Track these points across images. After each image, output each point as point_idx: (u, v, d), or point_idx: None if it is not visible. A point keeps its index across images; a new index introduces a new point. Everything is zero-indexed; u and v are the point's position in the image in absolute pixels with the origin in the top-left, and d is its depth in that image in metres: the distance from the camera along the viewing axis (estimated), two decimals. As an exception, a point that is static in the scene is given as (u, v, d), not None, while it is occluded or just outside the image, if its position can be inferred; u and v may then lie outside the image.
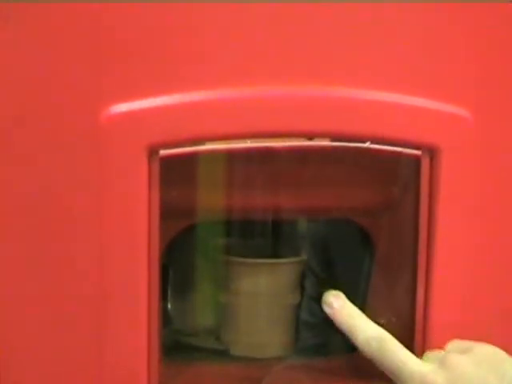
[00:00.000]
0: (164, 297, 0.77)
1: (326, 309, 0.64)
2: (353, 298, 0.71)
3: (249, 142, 0.65)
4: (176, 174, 0.65)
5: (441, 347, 0.63)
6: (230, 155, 0.67)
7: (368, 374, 0.68)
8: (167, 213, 0.63)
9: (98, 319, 0.61)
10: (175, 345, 0.75)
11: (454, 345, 0.63)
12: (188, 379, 0.69)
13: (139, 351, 0.62)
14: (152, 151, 0.60)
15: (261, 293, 0.74)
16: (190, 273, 0.77)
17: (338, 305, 0.64)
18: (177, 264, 0.76)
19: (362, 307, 0.71)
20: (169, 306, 0.77)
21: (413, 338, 0.65)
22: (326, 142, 0.68)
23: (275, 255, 0.75)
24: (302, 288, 0.76)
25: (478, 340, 0.62)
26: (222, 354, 0.75)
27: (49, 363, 0.62)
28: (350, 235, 0.77)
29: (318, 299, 0.69)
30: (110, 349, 0.62)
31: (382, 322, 0.65)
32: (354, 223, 0.74)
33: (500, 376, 0.57)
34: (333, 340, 0.71)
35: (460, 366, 0.58)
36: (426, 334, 0.65)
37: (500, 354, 0.60)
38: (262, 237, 0.75)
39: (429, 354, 0.62)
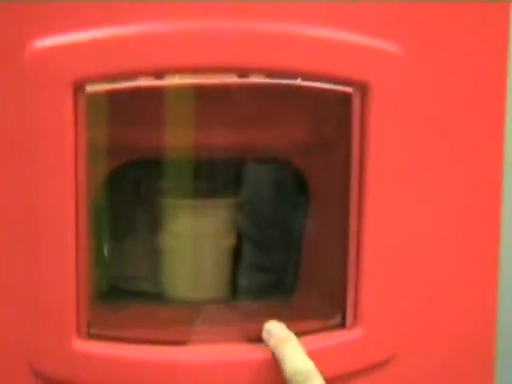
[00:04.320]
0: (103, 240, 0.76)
1: (264, 335, 0.63)
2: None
3: (177, 77, 0.64)
4: (107, 111, 0.64)
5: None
6: (161, 92, 0.66)
7: (302, 316, 0.69)
8: (100, 151, 0.62)
9: (29, 259, 0.61)
10: (112, 290, 0.74)
11: None
12: (122, 321, 0.68)
13: (67, 292, 0.61)
14: (78, 86, 0.59)
15: (197, 235, 0.73)
16: (126, 216, 0.76)
17: (276, 331, 0.63)
18: (114, 207, 0.75)
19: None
20: (105, 251, 0.76)
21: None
22: (257, 79, 0.66)
23: (210, 197, 0.74)
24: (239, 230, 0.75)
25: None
26: (158, 297, 0.74)
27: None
28: (285, 178, 0.77)
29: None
30: (39, 289, 0.61)
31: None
32: (288, 165, 0.73)
33: None
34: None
35: None
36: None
37: None
38: (196, 178, 0.74)
39: None
